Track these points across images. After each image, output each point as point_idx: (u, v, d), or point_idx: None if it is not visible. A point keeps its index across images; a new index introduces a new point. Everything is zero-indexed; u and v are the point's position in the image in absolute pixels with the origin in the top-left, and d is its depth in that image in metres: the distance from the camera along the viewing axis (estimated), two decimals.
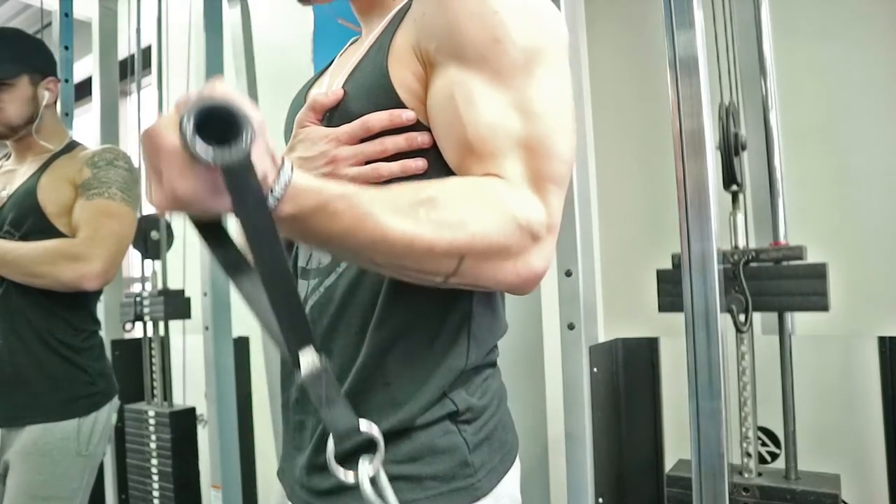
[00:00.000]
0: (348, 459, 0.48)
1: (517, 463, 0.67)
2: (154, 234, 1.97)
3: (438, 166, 0.59)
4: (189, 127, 0.39)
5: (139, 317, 1.92)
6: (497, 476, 0.62)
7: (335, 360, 0.62)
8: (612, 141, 1.92)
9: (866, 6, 1.55)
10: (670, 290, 1.06)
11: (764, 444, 1.37)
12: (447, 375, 0.60)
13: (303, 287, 0.67)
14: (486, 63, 0.55)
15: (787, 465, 1.02)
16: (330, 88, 0.67)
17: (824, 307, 0.96)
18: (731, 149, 1.06)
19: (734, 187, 1.08)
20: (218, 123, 0.39)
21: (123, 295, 1.99)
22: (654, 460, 1.26)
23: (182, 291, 1.95)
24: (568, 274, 1.10)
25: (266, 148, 0.43)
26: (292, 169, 0.45)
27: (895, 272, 1.48)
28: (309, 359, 0.42)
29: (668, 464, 1.17)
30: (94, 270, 1.24)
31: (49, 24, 2.28)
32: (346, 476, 0.42)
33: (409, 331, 0.60)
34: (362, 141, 0.60)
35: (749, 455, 1.03)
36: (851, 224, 1.55)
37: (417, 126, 0.59)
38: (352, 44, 0.77)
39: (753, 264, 1.01)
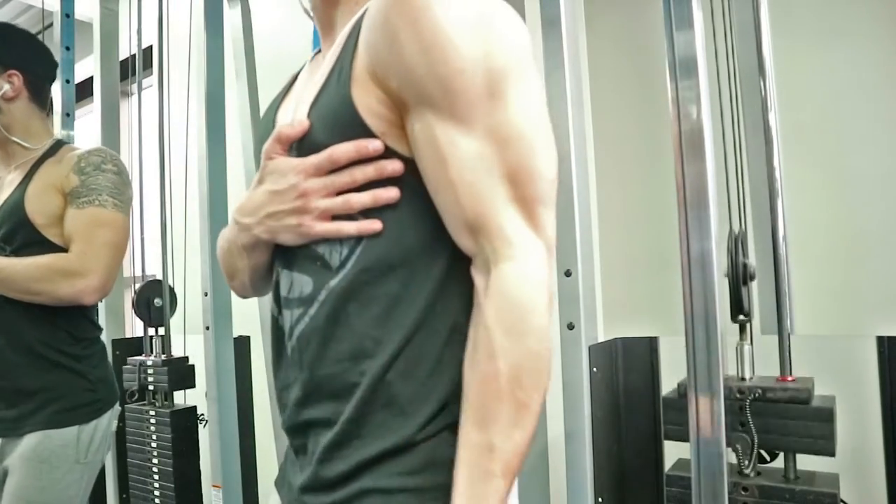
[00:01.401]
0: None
1: None
2: (157, 301, 1.96)
3: (411, 191, 0.59)
4: None
5: (143, 386, 1.91)
6: None
7: (324, 388, 0.62)
8: (612, 141, 1.93)
9: (866, 7, 1.55)
10: (675, 419, 1.05)
11: None
12: (447, 386, 0.60)
13: (287, 317, 0.66)
14: (454, 98, 0.54)
15: (786, 464, 1.02)
16: (295, 113, 0.67)
17: (831, 453, 0.96)
18: (739, 279, 1.06)
19: (741, 318, 1.07)
20: None
21: (128, 362, 1.98)
22: (653, 460, 1.26)
23: (186, 358, 1.94)
24: (568, 274, 1.11)
25: None
26: None
27: (894, 272, 1.48)
28: None
29: (668, 463, 1.17)
30: (91, 285, 1.23)
31: (50, 24, 2.29)
32: None
33: (404, 350, 0.59)
34: (332, 172, 0.60)
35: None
36: (851, 224, 1.55)
37: (386, 153, 0.59)
38: (315, 55, 0.77)
39: (760, 403, 1.01)
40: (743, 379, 1.06)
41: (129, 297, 2.21)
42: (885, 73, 1.53)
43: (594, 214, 1.25)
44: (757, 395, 1.00)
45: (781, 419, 0.99)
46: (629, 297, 1.86)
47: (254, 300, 2.04)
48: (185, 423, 1.86)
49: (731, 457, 0.98)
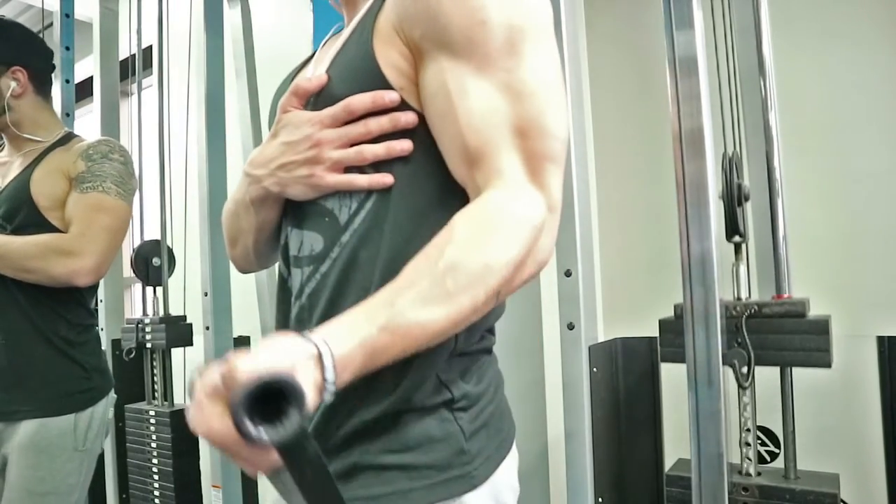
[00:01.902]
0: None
1: (514, 450, 0.67)
2: (155, 261, 1.97)
3: (424, 146, 0.60)
4: (243, 419, 0.40)
5: (141, 344, 1.92)
6: (494, 464, 0.62)
7: None
8: (612, 141, 1.93)
9: (866, 7, 1.55)
10: (672, 341, 1.05)
11: (763, 444, 1.37)
12: (437, 355, 0.59)
13: (297, 276, 0.66)
14: (474, 48, 0.55)
15: (787, 464, 1.02)
16: (314, 73, 0.67)
17: (827, 364, 0.96)
18: (734, 200, 1.05)
19: (737, 238, 1.07)
20: (267, 397, 0.40)
21: (125, 321, 1.99)
22: (653, 460, 1.26)
23: (184, 317, 1.95)
24: (568, 274, 1.11)
25: (311, 374, 0.45)
26: (331, 352, 0.47)
27: (894, 272, 1.48)
28: None
29: (668, 463, 1.17)
30: (85, 266, 1.23)
31: (50, 24, 2.29)
32: None
33: None
34: (346, 123, 0.61)
35: (749, 455, 1.04)
36: (850, 224, 1.55)
37: (402, 106, 0.59)
38: (334, 33, 0.78)
39: (756, 319, 1.01)
40: (739, 298, 1.06)
41: (128, 298, 2.22)
42: (885, 74, 1.53)
43: (594, 214, 1.24)
44: (753, 311, 1.00)
45: (777, 334, 0.99)
46: (629, 297, 1.86)
47: (253, 300, 2.04)
48: (185, 423, 1.86)
49: (731, 456, 0.98)
